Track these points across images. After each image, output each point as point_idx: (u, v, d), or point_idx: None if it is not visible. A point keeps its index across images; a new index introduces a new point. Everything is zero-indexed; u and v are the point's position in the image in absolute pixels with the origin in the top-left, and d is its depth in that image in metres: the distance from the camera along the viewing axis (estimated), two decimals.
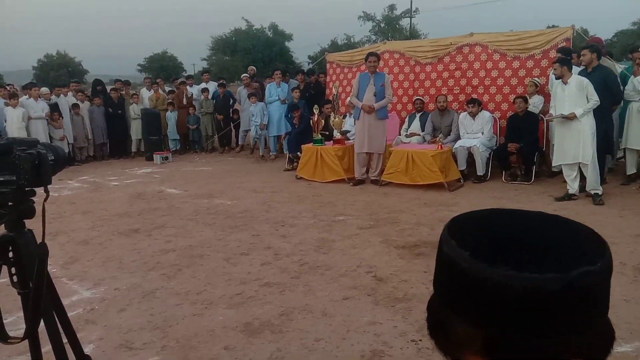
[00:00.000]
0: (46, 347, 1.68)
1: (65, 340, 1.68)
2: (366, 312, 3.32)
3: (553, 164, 6.53)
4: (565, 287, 0.51)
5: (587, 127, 5.78)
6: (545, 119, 7.13)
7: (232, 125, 11.65)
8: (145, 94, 12.19)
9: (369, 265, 4.17)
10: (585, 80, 5.79)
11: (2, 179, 1.44)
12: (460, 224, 0.64)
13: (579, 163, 5.88)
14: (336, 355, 2.82)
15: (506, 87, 7.85)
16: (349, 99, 7.58)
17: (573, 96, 5.80)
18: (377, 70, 7.32)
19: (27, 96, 10.07)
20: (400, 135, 8.40)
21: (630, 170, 6.69)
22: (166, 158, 10.74)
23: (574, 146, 5.87)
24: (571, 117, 5.80)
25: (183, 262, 4.43)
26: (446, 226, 0.63)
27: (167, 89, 12.71)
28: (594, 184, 5.84)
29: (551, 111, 6.23)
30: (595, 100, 5.72)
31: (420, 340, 2.92)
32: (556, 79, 6.11)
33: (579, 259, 0.54)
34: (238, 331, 3.13)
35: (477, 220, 0.64)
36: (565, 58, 6.23)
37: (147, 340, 3.07)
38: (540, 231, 0.59)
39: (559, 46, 7.24)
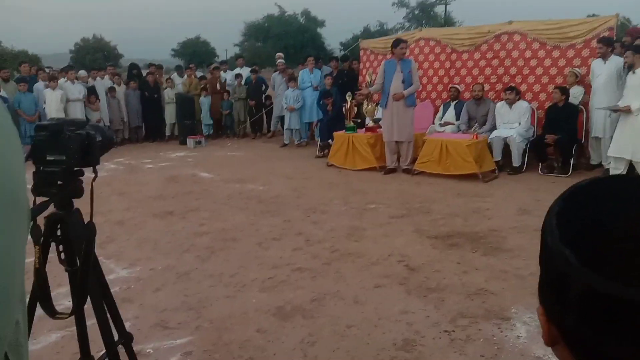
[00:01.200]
0: (88, 322, 1.73)
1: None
2: (398, 301, 3.32)
3: (608, 153, 6.23)
4: None
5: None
6: (597, 109, 6.77)
7: (264, 111, 11.69)
8: (177, 79, 12.28)
9: (400, 254, 4.15)
10: None
11: (52, 158, 1.47)
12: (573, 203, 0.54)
13: (633, 161, 5.65)
14: (368, 342, 2.83)
15: (545, 76, 7.66)
16: (375, 86, 7.45)
17: (636, 87, 5.55)
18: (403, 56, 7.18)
19: (65, 79, 10.30)
20: (434, 124, 8.30)
21: None
22: (199, 142, 10.86)
23: (625, 140, 5.65)
24: (625, 110, 5.57)
25: (216, 245, 4.49)
26: (557, 204, 0.55)
27: (199, 74, 12.82)
28: None
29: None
30: None
31: (453, 331, 2.91)
32: (627, 67, 5.81)
33: None
34: (270, 314, 3.17)
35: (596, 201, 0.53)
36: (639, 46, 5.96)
37: (181, 320, 3.13)
38: None
39: (602, 35, 6.99)
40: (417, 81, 7.18)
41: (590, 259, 0.48)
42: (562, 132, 6.76)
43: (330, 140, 8.50)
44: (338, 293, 3.46)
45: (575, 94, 7.16)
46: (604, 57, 6.64)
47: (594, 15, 12.99)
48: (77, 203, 1.59)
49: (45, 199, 1.46)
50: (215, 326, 3.05)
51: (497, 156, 7.17)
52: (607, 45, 6.64)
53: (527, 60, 7.76)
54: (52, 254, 1.55)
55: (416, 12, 38.60)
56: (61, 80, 10.18)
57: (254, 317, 3.14)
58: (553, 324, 0.55)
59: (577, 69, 7.28)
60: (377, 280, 3.66)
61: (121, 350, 1.76)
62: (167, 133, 11.89)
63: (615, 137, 5.91)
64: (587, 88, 7.11)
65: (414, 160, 7.28)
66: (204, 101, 11.61)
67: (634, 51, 5.65)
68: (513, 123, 7.25)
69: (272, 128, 11.63)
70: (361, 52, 10.37)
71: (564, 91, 6.97)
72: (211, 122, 11.86)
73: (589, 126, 7.03)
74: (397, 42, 7.16)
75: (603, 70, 6.66)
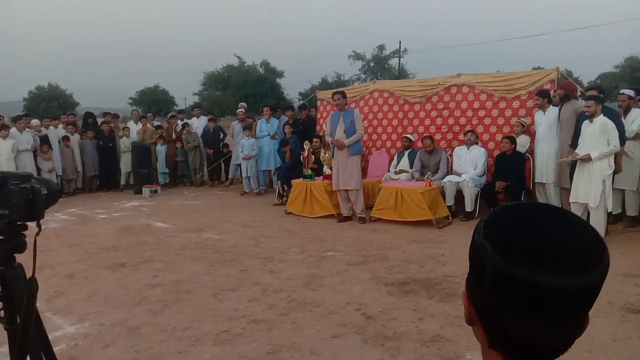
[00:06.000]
0: None
1: None
2: (355, 350, 3.29)
3: (570, 200, 6.38)
4: (585, 286, 0.64)
5: (598, 170, 5.76)
6: (560, 160, 6.95)
7: (222, 159, 11.69)
8: (134, 127, 12.19)
9: (358, 302, 4.14)
10: (610, 124, 5.73)
11: None
12: (494, 221, 0.71)
13: (588, 205, 5.83)
14: None
15: (493, 126, 7.99)
16: (326, 137, 7.61)
17: (594, 137, 5.77)
18: (346, 107, 7.31)
19: (16, 128, 10.06)
20: (389, 172, 8.48)
21: (616, 209, 6.75)
22: (155, 191, 10.70)
23: (585, 187, 5.88)
24: (585, 159, 5.83)
25: (170, 298, 4.37)
26: (482, 221, 0.72)
27: (156, 123, 12.79)
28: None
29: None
30: (614, 145, 5.68)
31: None
32: (588, 117, 5.95)
33: (590, 259, 0.67)
34: None
35: (510, 218, 0.71)
36: (599, 96, 6.19)
37: None
38: (559, 229, 0.68)
39: (543, 87, 7.39)
40: (360, 129, 7.18)
41: (502, 249, 0.65)
42: (511, 179, 7.02)
43: (286, 187, 8.52)
44: (294, 345, 3.40)
45: (522, 142, 7.48)
46: (542, 108, 7.03)
47: (538, 67, 13.76)
48: (20, 258, 1.54)
49: None
50: None
51: (450, 201, 7.35)
52: (543, 97, 7.04)
53: (475, 110, 8.10)
54: None
55: (371, 64, 39.92)
56: (13, 130, 9.94)
57: None
58: (472, 305, 0.72)
59: (523, 119, 7.64)
60: (334, 330, 3.63)
61: None
62: (123, 182, 11.69)
63: (573, 184, 6.12)
64: (533, 137, 7.44)
65: (371, 207, 7.36)
66: (160, 149, 11.54)
67: (595, 101, 5.86)
68: (468, 167, 7.49)
69: (230, 176, 11.62)
70: (318, 102, 10.62)
71: (513, 140, 7.28)
72: (167, 170, 11.75)
73: (536, 173, 7.32)
74: (332, 95, 7.38)
75: (543, 120, 7.04)
